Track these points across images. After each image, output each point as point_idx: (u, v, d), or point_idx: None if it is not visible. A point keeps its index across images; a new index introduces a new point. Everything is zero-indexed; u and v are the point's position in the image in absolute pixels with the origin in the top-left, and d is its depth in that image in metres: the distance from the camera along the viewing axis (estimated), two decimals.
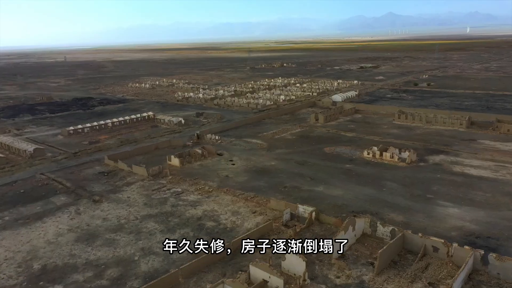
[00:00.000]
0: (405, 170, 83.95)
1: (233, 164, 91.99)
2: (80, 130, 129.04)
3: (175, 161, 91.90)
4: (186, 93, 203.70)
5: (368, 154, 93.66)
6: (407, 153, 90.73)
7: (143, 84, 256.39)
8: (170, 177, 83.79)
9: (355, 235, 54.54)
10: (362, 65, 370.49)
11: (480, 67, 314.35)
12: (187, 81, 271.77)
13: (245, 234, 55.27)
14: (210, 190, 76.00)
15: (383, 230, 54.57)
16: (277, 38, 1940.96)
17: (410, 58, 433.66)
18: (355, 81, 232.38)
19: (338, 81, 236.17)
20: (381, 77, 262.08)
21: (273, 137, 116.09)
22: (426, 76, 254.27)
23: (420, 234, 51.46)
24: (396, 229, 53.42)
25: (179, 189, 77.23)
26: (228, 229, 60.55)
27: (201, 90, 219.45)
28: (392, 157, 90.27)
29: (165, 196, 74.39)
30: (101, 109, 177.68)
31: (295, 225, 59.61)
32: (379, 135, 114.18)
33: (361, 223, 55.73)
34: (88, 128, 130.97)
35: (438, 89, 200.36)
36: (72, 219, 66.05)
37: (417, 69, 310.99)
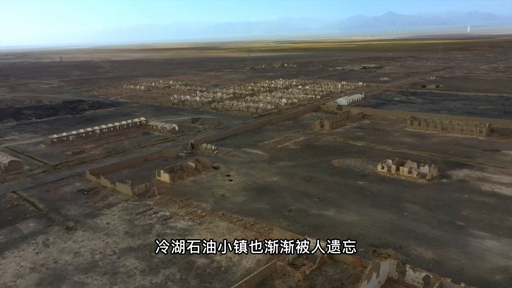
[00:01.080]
0: (426, 189, 73.48)
1: (231, 180, 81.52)
2: (64, 138, 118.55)
3: (164, 176, 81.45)
4: (182, 96, 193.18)
5: (383, 168, 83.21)
6: (426, 167, 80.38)
7: (138, 86, 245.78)
8: (158, 197, 73.34)
9: (379, 282, 44.12)
10: (365, 65, 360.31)
11: (487, 68, 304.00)
12: (184, 83, 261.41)
13: (243, 280, 44.80)
14: (203, 214, 65.52)
15: (413, 276, 44.14)
16: (277, 38, 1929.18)
17: (414, 58, 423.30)
18: (360, 83, 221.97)
19: (342, 82, 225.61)
20: (386, 78, 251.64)
21: (275, 146, 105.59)
22: (434, 77, 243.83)
23: (462, 285, 41.02)
24: (431, 276, 42.96)
25: (167, 213, 66.75)
26: (223, 269, 50.08)
27: (198, 92, 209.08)
28: (410, 172, 79.82)
29: (150, 222, 63.89)
30: (92, 113, 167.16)
31: (304, 265, 49.25)
32: (392, 145, 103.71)
33: (386, 266, 45.29)
34: (74, 136, 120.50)
35: (448, 92, 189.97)
36: (38, 253, 55.57)
37: (422, 70, 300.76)
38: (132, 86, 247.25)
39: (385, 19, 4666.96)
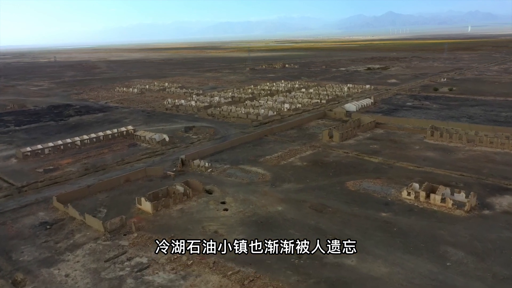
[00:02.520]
0: (467, 225, 59.54)
1: (226, 210, 67.59)
2: (39, 151, 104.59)
3: (146, 205, 67.52)
4: (177, 100, 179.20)
5: (409, 194, 69.30)
6: (462, 194, 66.47)
7: (131, 89, 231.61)
8: (135, 234, 59.40)
9: None
10: (369, 66, 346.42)
11: (498, 69, 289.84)
12: (180, 85, 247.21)
13: None
14: (190, 262, 51.56)
15: None
16: (277, 37, 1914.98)
17: (419, 59, 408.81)
18: (367, 86, 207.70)
19: (348, 85, 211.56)
20: (394, 80, 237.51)
21: (278, 163, 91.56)
22: (445, 80, 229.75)
23: None
24: None
25: (145, 259, 52.82)
26: None
27: (194, 96, 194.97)
28: (443, 200, 65.90)
29: (121, 273, 49.99)
30: (77, 120, 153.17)
31: None
32: (413, 161, 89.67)
33: None
34: (50, 149, 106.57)
35: (463, 96, 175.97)
36: None
37: (430, 71, 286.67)
38: (124, 89, 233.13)
39: (385, 19, 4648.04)
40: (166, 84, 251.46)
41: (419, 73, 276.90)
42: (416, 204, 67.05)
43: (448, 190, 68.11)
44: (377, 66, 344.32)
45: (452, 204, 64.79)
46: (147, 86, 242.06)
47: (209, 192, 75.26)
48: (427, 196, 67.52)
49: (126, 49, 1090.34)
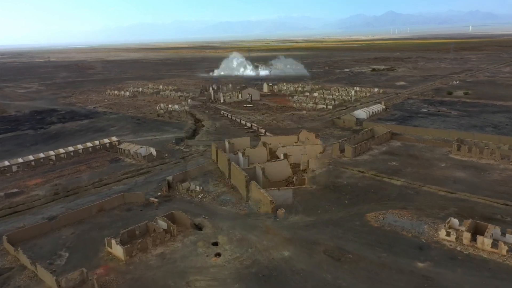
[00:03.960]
0: None
1: (218, 255, 53.56)
2: (5, 169, 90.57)
3: (117, 249, 53.50)
4: (170, 105, 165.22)
5: (448, 235, 55.25)
6: None
7: (123, 92, 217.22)
8: None
9: None
10: (374, 66, 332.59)
11: (511, 70, 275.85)
12: (176, 87, 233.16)
13: None
14: None
15: None
16: (277, 37, 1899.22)
17: (425, 59, 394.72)
18: (376, 89, 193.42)
19: (355, 88, 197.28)
20: (402, 83, 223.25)
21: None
22: (457, 82, 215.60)
23: None
24: None
25: None
26: None
27: (189, 100, 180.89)
28: (495, 245, 51.87)
29: None
30: (59, 128, 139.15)
31: None
32: (442, 184, 75.53)
33: None
34: (19, 165, 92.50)
35: (481, 100, 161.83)
36: None
37: (439, 72, 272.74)
38: (116, 92, 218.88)
39: (385, 18, 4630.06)
40: (161, 86, 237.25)
41: (427, 74, 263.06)
42: (459, 248, 52.99)
43: (498, 230, 54.09)
44: (382, 67, 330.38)
45: (507, 251, 50.81)
46: (141, 89, 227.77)
47: (198, 227, 61.21)
48: (473, 237, 53.52)
49: (125, 49, 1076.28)
